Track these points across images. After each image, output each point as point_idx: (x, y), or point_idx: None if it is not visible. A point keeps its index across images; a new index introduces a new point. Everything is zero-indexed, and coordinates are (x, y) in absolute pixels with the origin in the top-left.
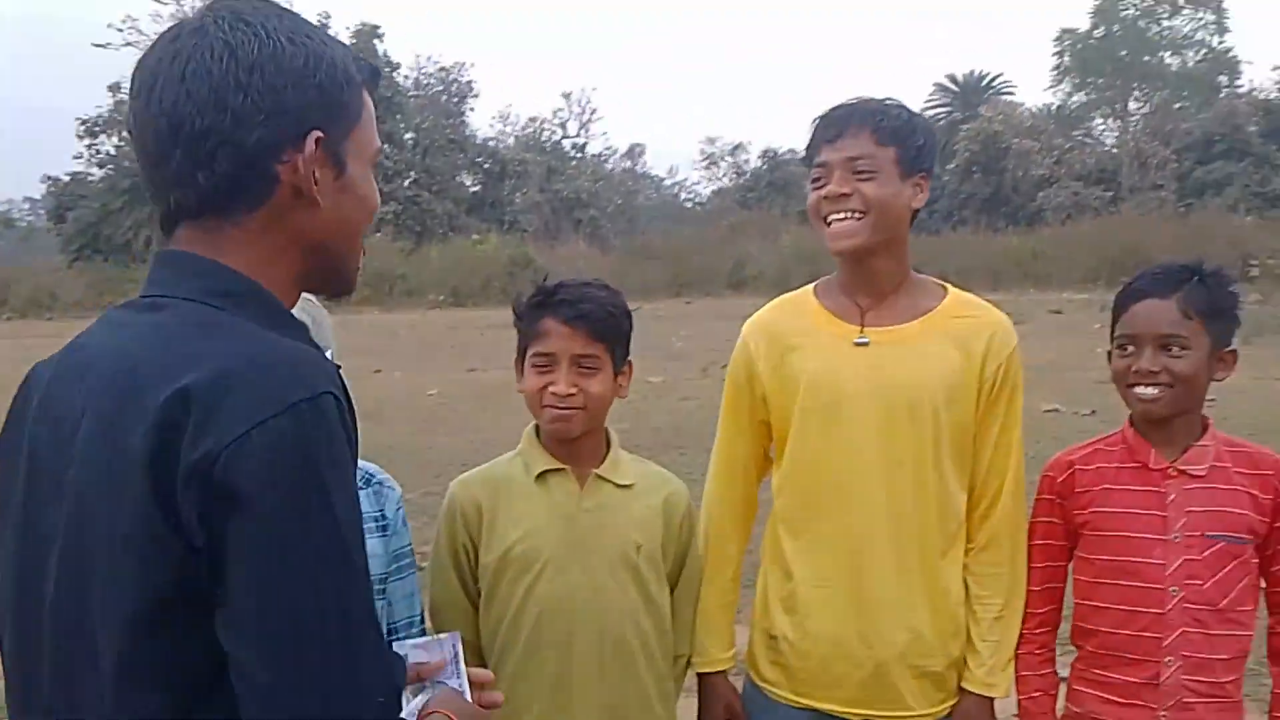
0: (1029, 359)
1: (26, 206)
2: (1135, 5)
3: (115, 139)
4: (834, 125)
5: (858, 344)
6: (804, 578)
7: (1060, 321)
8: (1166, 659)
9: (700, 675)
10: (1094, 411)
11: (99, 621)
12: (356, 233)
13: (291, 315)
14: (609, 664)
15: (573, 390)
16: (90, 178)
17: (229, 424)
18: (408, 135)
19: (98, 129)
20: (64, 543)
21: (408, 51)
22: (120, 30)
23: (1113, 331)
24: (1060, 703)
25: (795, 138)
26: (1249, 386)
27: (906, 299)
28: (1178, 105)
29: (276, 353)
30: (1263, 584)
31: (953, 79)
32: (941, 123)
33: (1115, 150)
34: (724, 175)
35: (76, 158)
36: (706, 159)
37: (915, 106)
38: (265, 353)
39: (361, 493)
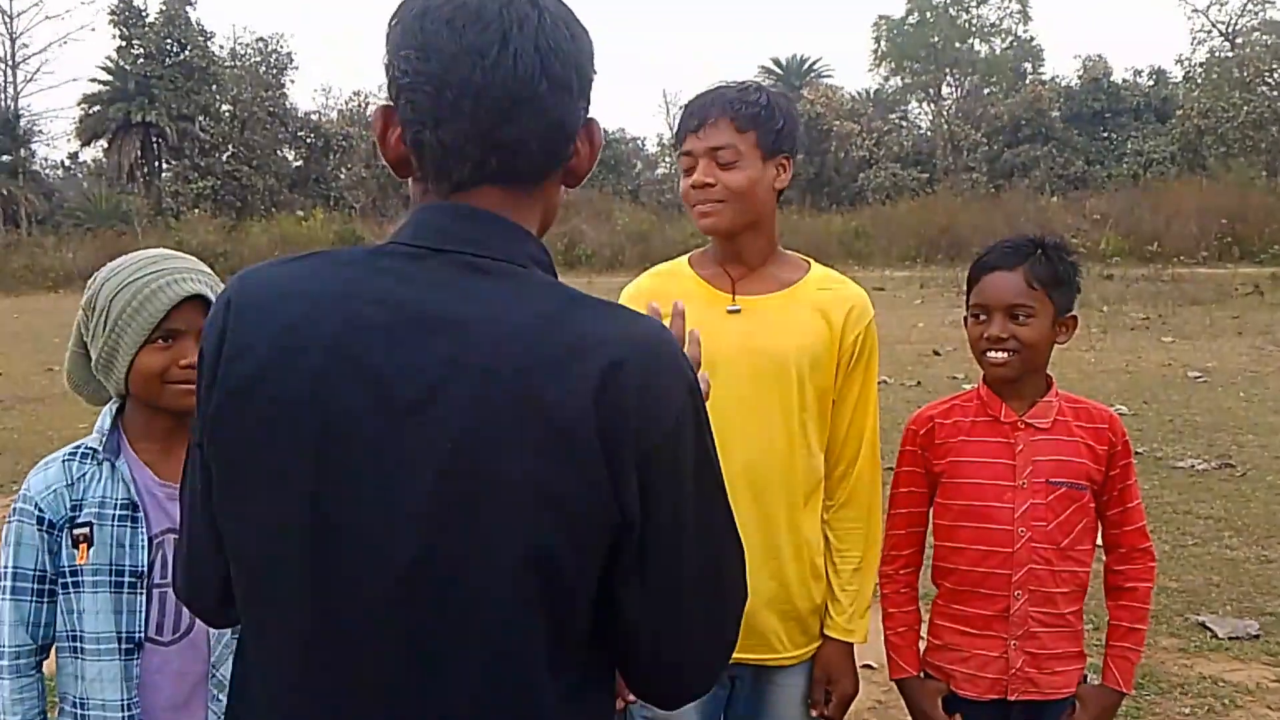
0: None
1: None
2: None
3: None
4: (695, 115)
5: (730, 311)
6: None
7: (882, 298)
8: (1015, 592)
9: None
10: (919, 383)
11: (468, 564)
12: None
13: None
14: None
15: None
16: None
17: (665, 409)
18: (224, 108)
19: None
20: (413, 490)
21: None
22: None
23: (968, 301)
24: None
25: (625, 118)
26: (1057, 357)
27: (774, 271)
28: (987, 91)
29: (656, 331)
30: (1101, 527)
31: (776, 61)
32: None
33: (930, 134)
34: None
35: None
36: None
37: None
38: (654, 332)
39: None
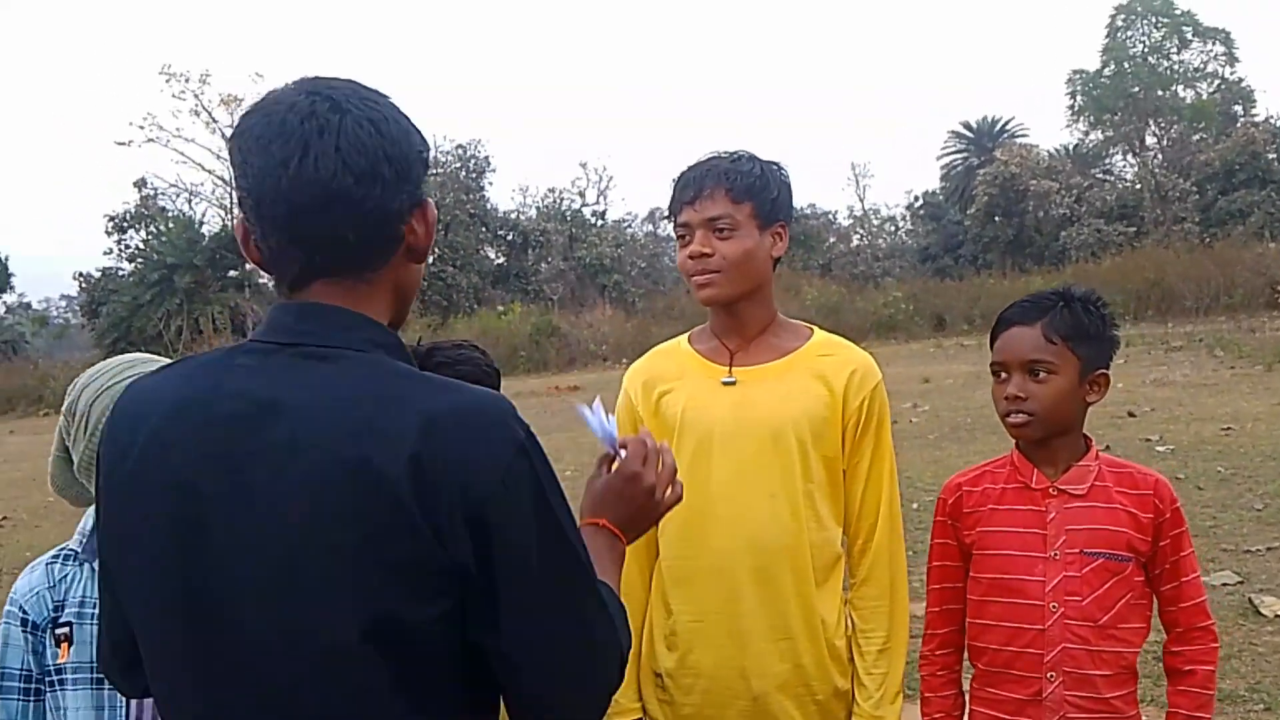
0: None
1: (63, 304)
2: (1143, 42)
3: (143, 233)
4: (690, 187)
5: (725, 383)
6: (681, 613)
7: None
8: (1049, 674)
9: None
10: (1108, 447)
11: (325, 633)
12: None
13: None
14: None
15: None
16: (120, 272)
17: (487, 468)
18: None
19: (125, 224)
20: (268, 566)
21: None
22: (141, 127)
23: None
24: None
25: (815, 194)
26: (1267, 413)
27: (774, 340)
28: (1195, 137)
29: (481, 398)
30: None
31: (967, 125)
32: (959, 168)
33: (1136, 185)
34: None
35: (107, 253)
36: None
37: (932, 154)
38: (478, 398)
39: None
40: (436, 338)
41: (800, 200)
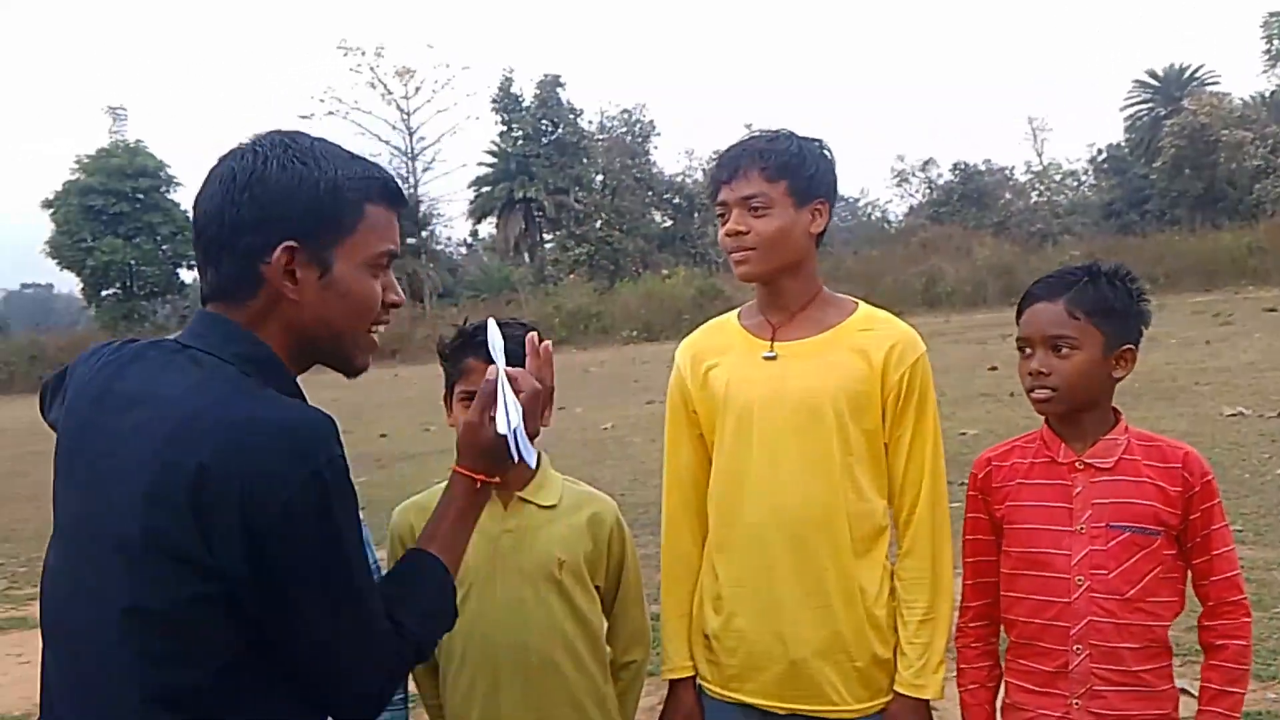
0: (1228, 359)
1: None
2: None
3: None
4: (726, 167)
5: (766, 357)
6: (726, 578)
7: (1273, 320)
8: (1075, 647)
9: (670, 681)
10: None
11: (110, 615)
12: (343, 325)
13: (296, 382)
14: (534, 673)
15: None
16: None
17: (274, 488)
18: (596, 178)
19: None
20: (80, 538)
21: (591, 97)
22: (322, 101)
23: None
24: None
25: (990, 149)
26: None
27: (816, 314)
28: None
29: (292, 419)
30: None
31: (1152, 74)
32: (1144, 119)
33: None
34: (916, 191)
35: None
36: (897, 176)
37: (1115, 105)
38: (289, 419)
39: None
40: (603, 301)
41: (974, 156)
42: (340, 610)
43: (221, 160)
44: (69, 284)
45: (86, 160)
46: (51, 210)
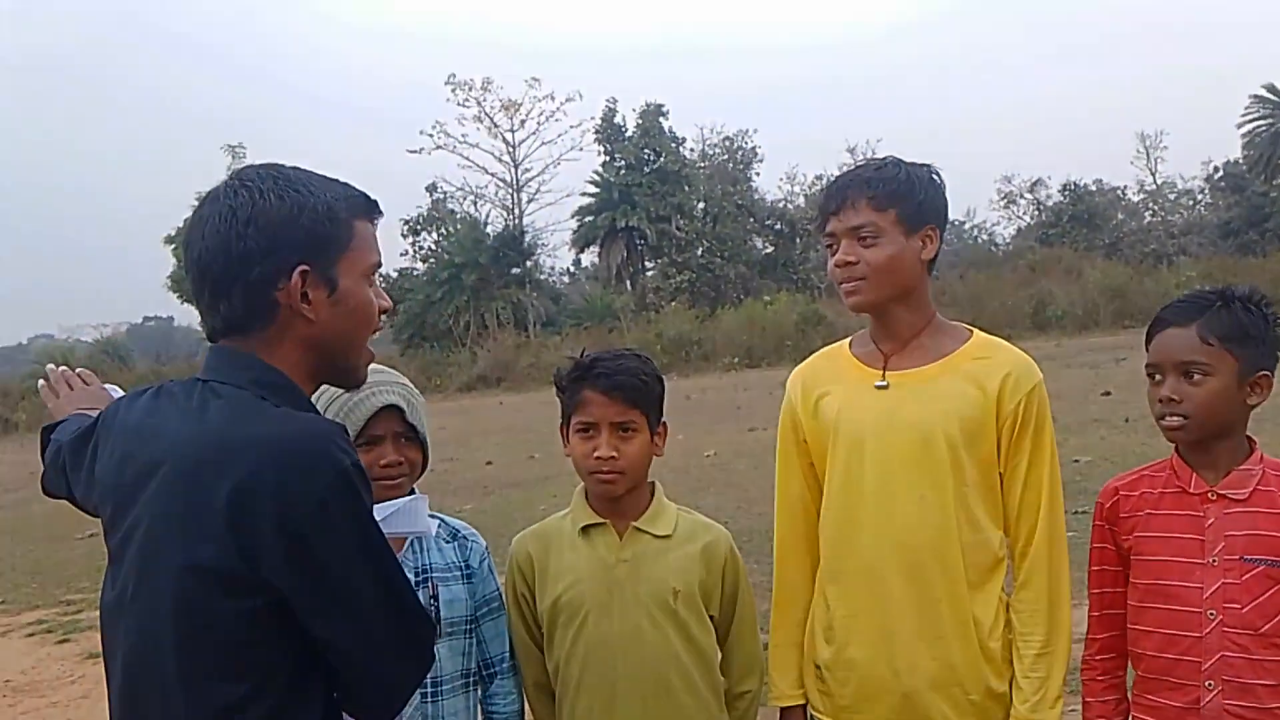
0: None
1: None
2: None
3: (435, 235)
4: (835, 198)
5: (877, 387)
6: (838, 608)
7: None
8: (1207, 683)
9: (780, 709)
10: None
11: (162, 638)
12: (354, 336)
13: (310, 400)
14: (650, 700)
15: (613, 454)
16: (415, 271)
17: (305, 498)
18: (698, 205)
19: (419, 227)
20: (138, 568)
21: (692, 125)
22: (430, 135)
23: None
24: None
25: (1101, 168)
26: None
27: (930, 342)
28: None
29: (309, 432)
30: None
31: (1270, 89)
32: (1264, 135)
33: None
34: (1024, 213)
35: (403, 254)
36: (1004, 198)
37: (1232, 121)
38: (306, 431)
39: (448, 545)
40: (704, 328)
41: (1084, 175)
42: (380, 591)
43: (206, 203)
44: (189, 317)
45: None
46: (173, 246)
